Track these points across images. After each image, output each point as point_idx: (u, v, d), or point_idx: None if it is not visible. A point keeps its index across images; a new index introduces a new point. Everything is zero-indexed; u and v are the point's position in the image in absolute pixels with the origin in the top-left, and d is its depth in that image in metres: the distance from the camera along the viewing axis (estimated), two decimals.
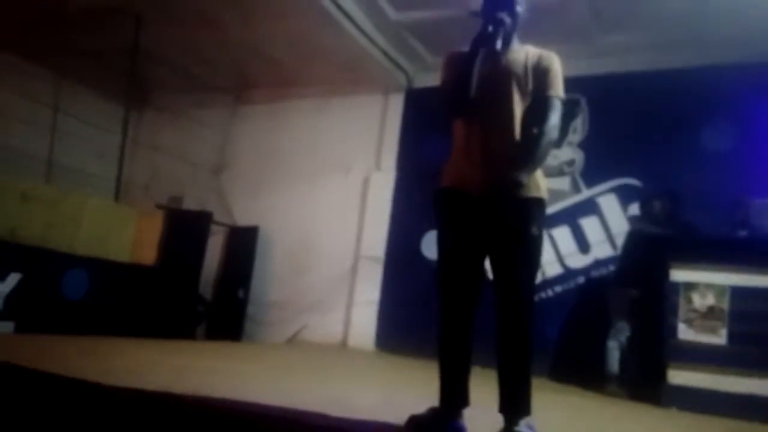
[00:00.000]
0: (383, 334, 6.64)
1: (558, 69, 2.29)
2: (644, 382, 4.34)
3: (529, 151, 2.19)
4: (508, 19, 2.23)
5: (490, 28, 2.19)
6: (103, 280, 5.72)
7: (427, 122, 6.75)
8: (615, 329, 4.77)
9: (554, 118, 2.23)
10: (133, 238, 6.18)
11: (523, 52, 2.32)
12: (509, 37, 2.32)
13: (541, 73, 2.27)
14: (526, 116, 2.24)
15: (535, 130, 2.21)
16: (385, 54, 6.60)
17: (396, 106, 7.24)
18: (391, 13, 6.03)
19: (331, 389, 3.28)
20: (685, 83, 5.63)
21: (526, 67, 2.27)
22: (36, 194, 5.46)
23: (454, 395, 2.25)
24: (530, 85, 2.26)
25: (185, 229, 6.75)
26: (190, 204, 7.80)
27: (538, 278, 5.83)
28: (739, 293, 3.94)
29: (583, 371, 5.01)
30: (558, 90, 2.27)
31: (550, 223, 5.92)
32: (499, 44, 2.19)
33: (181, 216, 7.03)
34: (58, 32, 6.66)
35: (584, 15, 5.56)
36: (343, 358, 5.93)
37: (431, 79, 6.42)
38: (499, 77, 2.27)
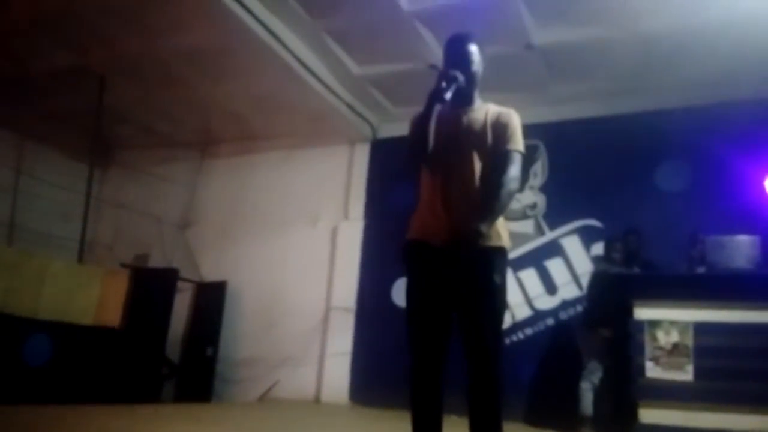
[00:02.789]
0: (357, 386, 6.54)
1: (516, 124, 2.39)
2: (617, 422, 4.37)
3: (489, 202, 2.26)
4: (461, 77, 2.33)
5: (443, 84, 2.28)
6: (67, 345, 5.56)
7: (393, 171, 6.88)
8: (587, 370, 4.81)
9: (513, 170, 2.32)
10: (97, 299, 6.05)
11: (483, 111, 2.42)
12: (467, 95, 2.42)
13: (500, 129, 2.36)
14: (487, 170, 2.33)
15: (495, 182, 2.28)
16: (349, 107, 6.74)
17: (362, 156, 7.35)
18: (354, 68, 6.20)
19: None
20: (638, 127, 5.90)
21: (485, 124, 2.38)
22: None
23: None
24: (489, 141, 2.36)
25: (151, 287, 6.64)
26: (157, 261, 7.69)
27: (508, 322, 5.91)
28: (701, 329, 4.04)
29: (557, 414, 5.03)
30: (517, 144, 2.36)
31: (516, 265, 6.02)
32: (448, 96, 2.27)
33: (146, 274, 6.92)
34: (21, 95, 6.65)
35: (539, 66, 5.81)
36: (317, 415, 5.82)
37: (395, 129, 6.59)
38: (460, 134, 2.37)
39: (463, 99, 2.41)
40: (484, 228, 2.20)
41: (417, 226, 2.38)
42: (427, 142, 2.30)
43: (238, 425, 4.54)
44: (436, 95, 2.28)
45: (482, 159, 2.33)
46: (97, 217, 7.92)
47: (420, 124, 2.32)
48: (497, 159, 2.32)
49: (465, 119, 2.40)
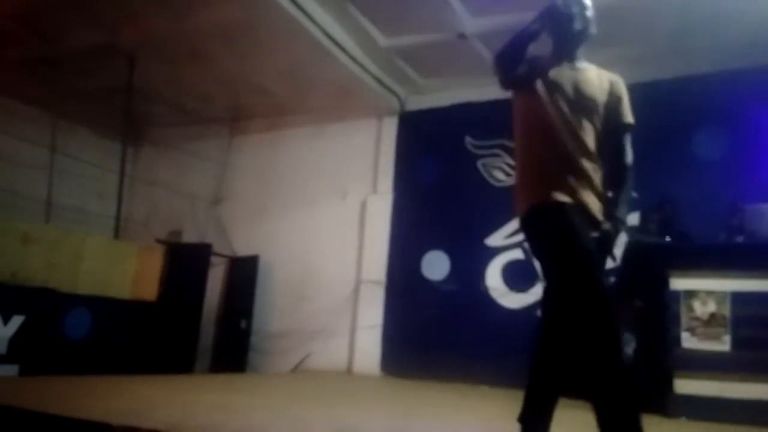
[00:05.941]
0: (388, 357, 6.62)
1: (627, 95, 2.33)
2: (652, 393, 4.33)
3: (624, 189, 2.23)
4: (589, 9, 2.28)
5: (572, 8, 2.23)
6: (106, 318, 5.72)
7: (422, 144, 6.84)
8: None
9: (630, 148, 2.29)
10: (133, 274, 6.20)
11: (594, 72, 2.31)
12: (574, 48, 2.31)
13: (616, 100, 2.29)
14: (609, 142, 2.25)
15: (622, 165, 2.25)
16: (377, 79, 6.68)
17: (390, 129, 7.30)
18: (381, 40, 6.12)
19: (339, 417, 3.27)
20: (674, 93, 5.72)
21: (600, 89, 2.27)
22: (36, 235, 5.48)
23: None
24: (602, 109, 2.26)
25: (185, 262, 6.78)
26: (190, 237, 7.83)
27: (537, 294, 5.83)
28: (739, 299, 3.96)
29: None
30: (631, 118, 2.31)
31: None
32: (561, 4, 2.21)
33: (180, 249, 7.06)
34: (54, 75, 6.76)
35: None
36: (349, 385, 5.90)
37: (423, 101, 6.53)
38: (576, 95, 2.22)
39: (569, 52, 2.30)
40: (625, 218, 2.21)
41: (555, 188, 2.12)
42: (520, 59, 2.23)
43: (273, 393, 4.64)
44: (548, 13, 2.23)
45: (597, 125, 2.23)
46: (131, 194, 8.08)
47: (519, 37, 2.24)
48: (618, 135, 2.28)
49: (578, 77, 2.26)
